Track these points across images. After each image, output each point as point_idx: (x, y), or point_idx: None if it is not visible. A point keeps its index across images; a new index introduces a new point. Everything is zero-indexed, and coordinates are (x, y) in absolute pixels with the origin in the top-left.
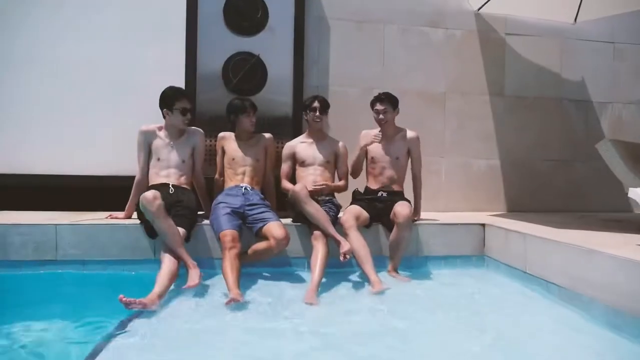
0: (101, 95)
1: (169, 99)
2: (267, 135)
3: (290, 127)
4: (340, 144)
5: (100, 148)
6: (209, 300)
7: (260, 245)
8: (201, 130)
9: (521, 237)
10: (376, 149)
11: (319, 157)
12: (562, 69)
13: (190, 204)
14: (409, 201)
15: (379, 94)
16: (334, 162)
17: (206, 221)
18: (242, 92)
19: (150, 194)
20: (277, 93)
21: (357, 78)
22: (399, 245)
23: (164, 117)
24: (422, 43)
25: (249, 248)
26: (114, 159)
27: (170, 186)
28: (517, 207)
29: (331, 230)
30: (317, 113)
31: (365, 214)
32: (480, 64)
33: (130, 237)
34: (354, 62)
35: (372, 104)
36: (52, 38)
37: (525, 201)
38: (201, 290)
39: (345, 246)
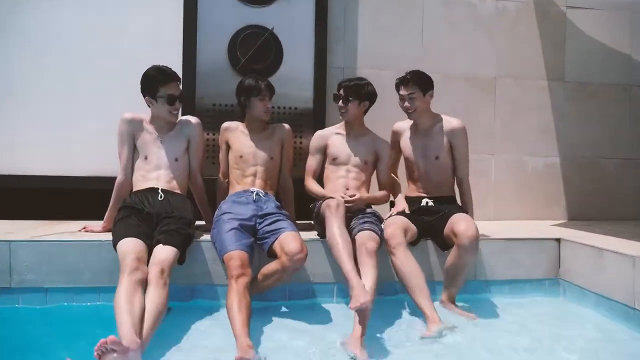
0: (77, 77)
1: (150, 83)
2: (285, 126)
3: (310, 118)
4: (384, 143)
5: (78, 142)
6: (207, 355)
7: (270, 267)
8: (196, 119)
9: (628, 262)
10: (408, 147)
11: (356, 155)
12: (633, 49)
13: (184, 213)
14: (465, 211)
15: (405, 74)
16: (373, 163)
17: (206, 236)
18: (252, 74)
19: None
20: (295, 75)
21: (391, 58)
22: (459, 272)
23: (148, 106)
24: (469, 18)
25: (258, 273)
26: (95, 155)
27: (160, 191)
28: (579, 214)
29: (347, 267)
30: (340, 102)
31: (413, 228)
32: (537, 44)
33: (108, 257)
34: (387, 39)
35: (397, 88)
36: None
37: (590, 207)
38: (199, 335)
39: (360, 298)
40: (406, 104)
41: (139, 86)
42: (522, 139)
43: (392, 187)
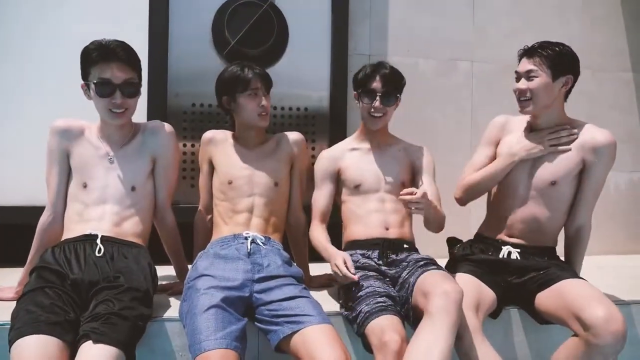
0: (11, 70)
1: (82, 62)
2: (294, 135)
3: (325, 122)
4: (421, 149)
5: (9, 161)
6: None
7: None
8: (167, 126)
9: None
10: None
11: (388, 175)
12: None
13: (137, 280)
14: (576, 274)
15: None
16: (410, 182)
17: (175, 307)
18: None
19: None
20: (305, 65)
21: (432, 43)
22: None
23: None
24: None
25: None
26: (33, 180)
27: (99, 242)
28: None
29: None
30: (378, 103)
31: (489, 295)
32: (619, 26)
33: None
34: (427, 18)
35: (519, 61)
36: None
37: None
38: None
39: None
40: (520, 83)
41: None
42: None
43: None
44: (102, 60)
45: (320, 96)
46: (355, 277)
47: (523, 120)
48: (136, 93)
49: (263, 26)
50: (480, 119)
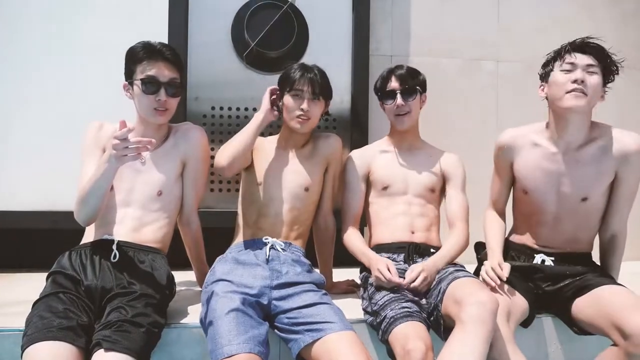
0: (30, 76)
1: (127, 60)
2: (331, 137)
3: (347, 124)
4: (452, 157)
5: (28, 166)
6: None
7: None
8: (199, 129)
9: None
10: (534, 175)
11: (416, 178)
12: None
13: (150, 288)
14: (615, 280)
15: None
16: (441, 190)
17: (191, 317)
18: (265, 64)
19: None
20: (326, 66)
21: (456, 42)
22: None
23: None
24: None
25: None
26: (51, 184)
27: (114, 247)
28: None
29: None
30: (399, 100)
31: (520, 302)
32: None
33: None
34: (449, 16)
35: (562, 55)
36: None
37: None
38: None
39: None
40: (578, 73)
41: (108, 90)
42: None
43: (487, 231)
44: (148, 58)
45: (342, 99)
46: (401, 281)
47: (538, 129)
48: (178, 94)
49: (283, 28)
50: (505, 120)
